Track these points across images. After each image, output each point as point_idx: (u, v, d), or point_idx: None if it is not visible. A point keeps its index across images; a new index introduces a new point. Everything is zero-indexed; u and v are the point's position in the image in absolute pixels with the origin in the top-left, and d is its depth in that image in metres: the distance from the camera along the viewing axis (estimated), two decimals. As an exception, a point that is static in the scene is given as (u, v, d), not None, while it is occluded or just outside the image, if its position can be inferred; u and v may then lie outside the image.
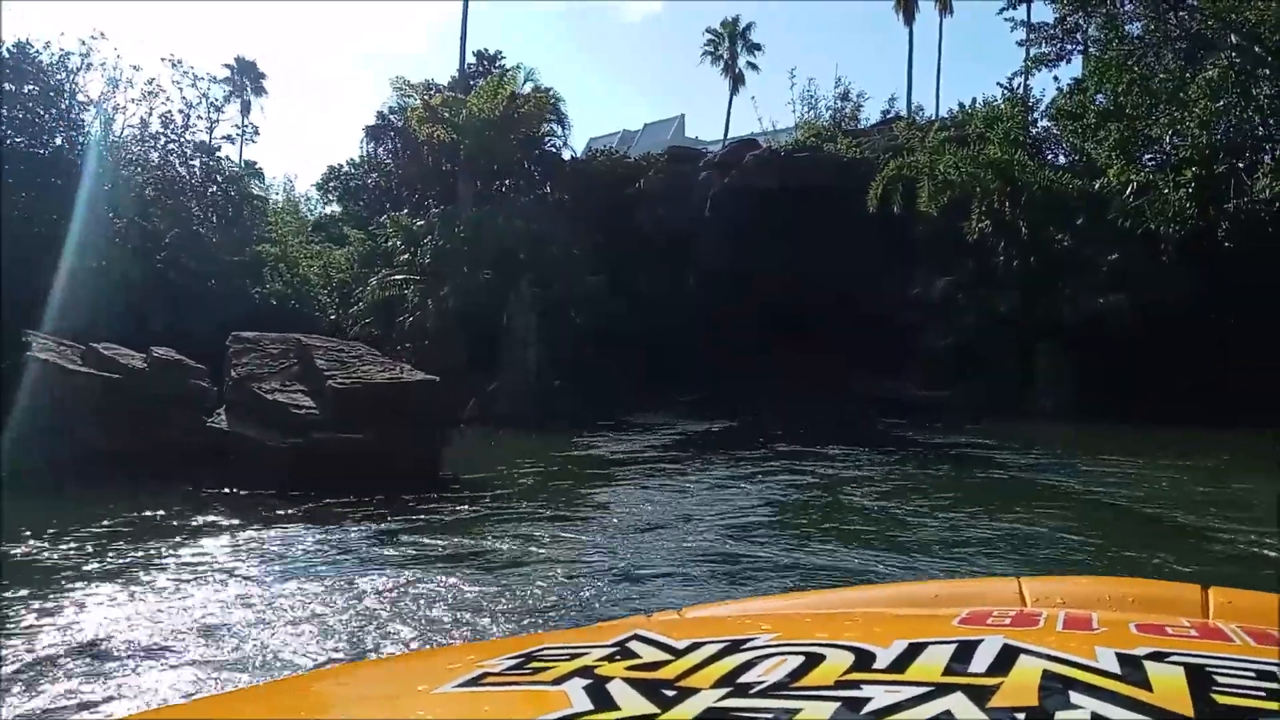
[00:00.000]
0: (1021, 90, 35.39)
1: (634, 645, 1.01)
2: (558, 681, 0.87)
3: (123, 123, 33.11)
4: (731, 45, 54.21)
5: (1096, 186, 26.03)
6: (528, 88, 32.82)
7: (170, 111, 34.54)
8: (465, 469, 13.95)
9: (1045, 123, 32.88)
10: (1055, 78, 37.92)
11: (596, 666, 0.93)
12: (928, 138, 28.91)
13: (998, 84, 32.56)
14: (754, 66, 54.20)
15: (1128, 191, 25.80)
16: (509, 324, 24.46)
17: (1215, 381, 22.04)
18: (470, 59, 35.09)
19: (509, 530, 9.61)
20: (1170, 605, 1.30)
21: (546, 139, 36.84)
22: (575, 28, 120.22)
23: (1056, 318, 24.45)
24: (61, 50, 30.83)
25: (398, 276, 27.70)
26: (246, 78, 69.20)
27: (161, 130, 33.74)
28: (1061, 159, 31.32)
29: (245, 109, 69.61)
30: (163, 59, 58.23)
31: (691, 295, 32.80)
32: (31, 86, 30.35)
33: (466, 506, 10.89)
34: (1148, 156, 27.15)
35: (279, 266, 30.78)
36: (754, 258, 30.35)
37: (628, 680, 0.86)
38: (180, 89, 39.89)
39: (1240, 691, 0.77)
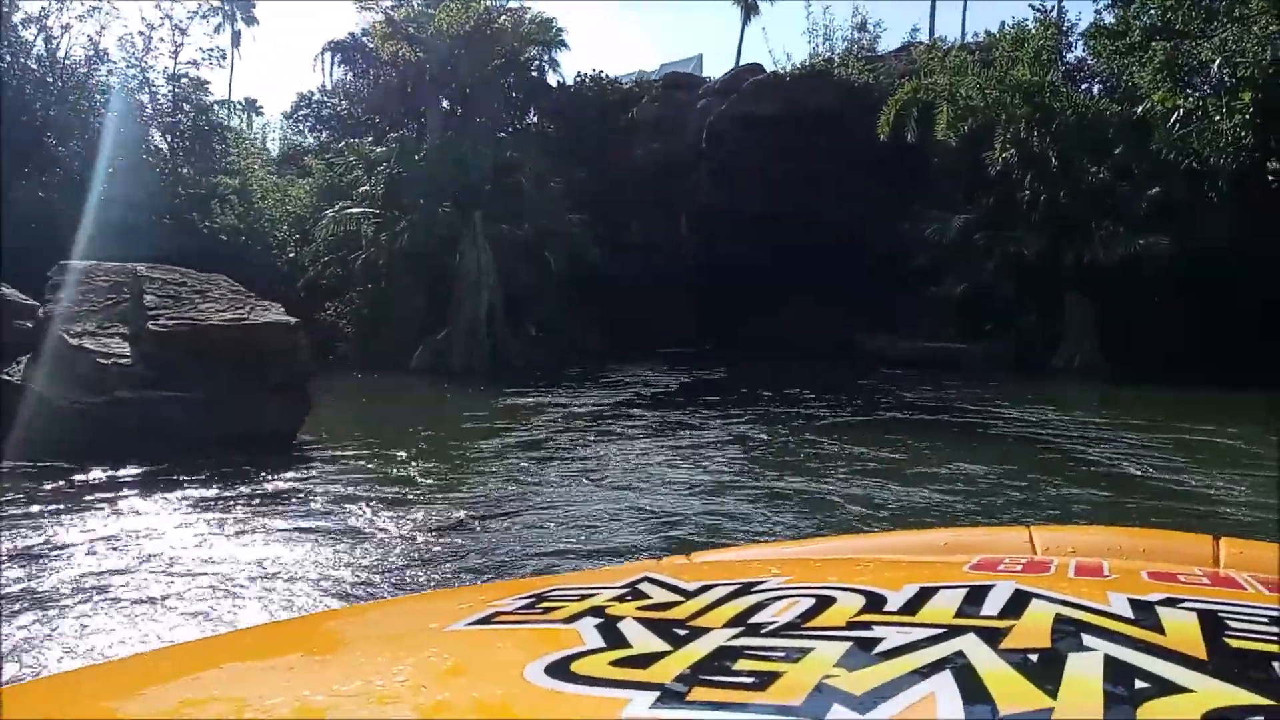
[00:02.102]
0: (1055, 13, 32.00)
1: (644, 587, 1.02)
2: (569, 620, 0.87)
3: (68, 42, 30.35)
4: (745, -30, 50.51)
5: (1138, 113, 22.83)
6: (512, 4, 29.75)
7: (130, 34, 31.91)
8: (344, 433, 11.43)
9: (1080, 52, 29.55)
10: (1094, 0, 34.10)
11: (607, 606, 0.92)
12: (948, 58, 25.65)
13: (1030, 5, 28.93)
14: (767, -5, 50.49)
15: (1173, 119, 22.61)
16: (461, 263, 21.71)
17: (1267, 335, 19.19)
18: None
19: (327, 526, 7.06)
20: (1182, 555, 1.28)
21: (531, 63, 33.74)
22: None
23: (1088, 261, 21.47)
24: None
25: (354, 210, 24.97)
26: (236, 7, 66.12)
27: (121, 54, 31.11)
28: (1097, 89, 28.03)
29: (235, 39, 66.72)
30: None
31: (684, 236, 29.99)
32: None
33: (292, 483, 8.35)
34: (1199, 80, 23.91)
35: (230, 198, 28.09)
36: (753, 196, 27.43)
37: (639, 620, 0.86)
38: (140, 10, 37.08)
39: (1254, 636, 0.76)
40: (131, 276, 9.82)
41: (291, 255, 27.84)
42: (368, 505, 7.93)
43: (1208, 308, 21.07)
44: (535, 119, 34.02)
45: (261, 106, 62.96)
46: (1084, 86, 28.36)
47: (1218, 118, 21.97)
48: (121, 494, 7.96)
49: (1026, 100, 23.53)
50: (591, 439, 11.95)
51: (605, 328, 25.81)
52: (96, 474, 8.33)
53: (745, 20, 49.94)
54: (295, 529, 7.29)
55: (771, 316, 26.71)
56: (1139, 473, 10.16)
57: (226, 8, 64.82)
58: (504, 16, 27.07)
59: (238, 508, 7.69)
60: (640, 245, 29.07)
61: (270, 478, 8.59)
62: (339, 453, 10.34)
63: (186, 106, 33.21)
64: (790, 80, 29.66)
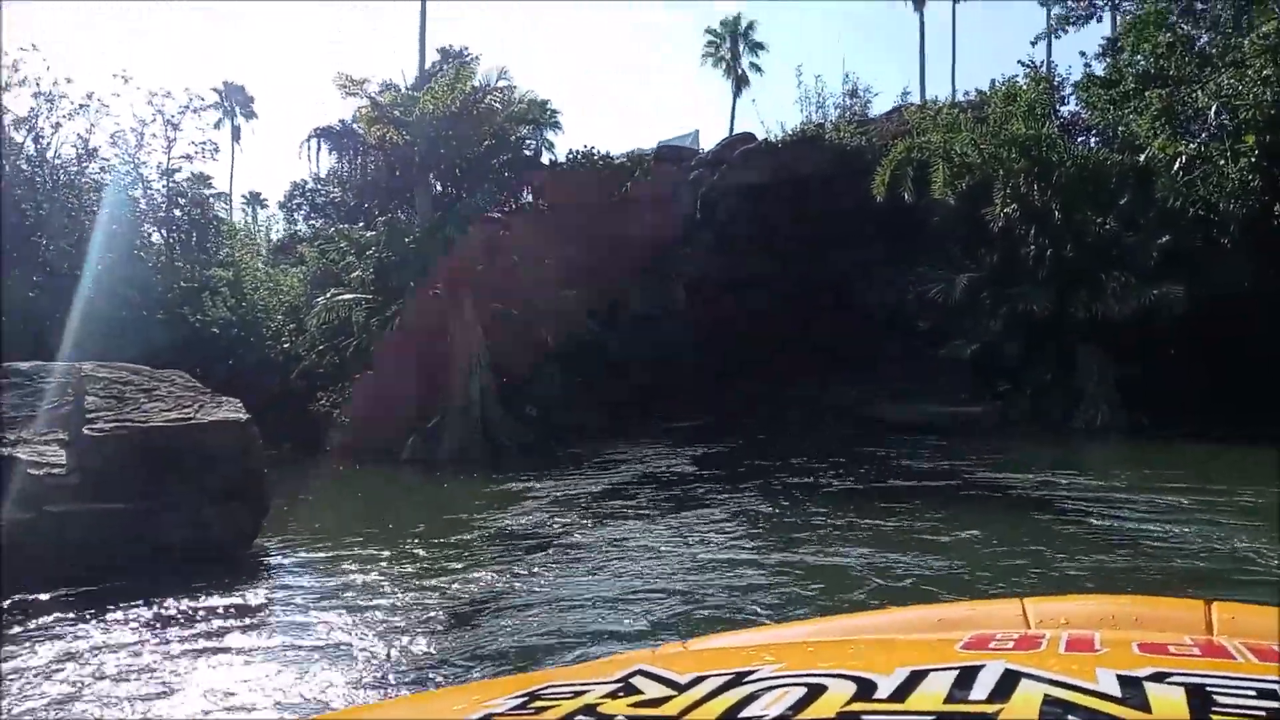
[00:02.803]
0: (1045, 69, 31.80)
1: (637, 681, 1.01)
2: None
3: (58, 142, 30.37)
4: (733, 45, 51.06)
5: (1140, 161, 22.33)
6: (501, 83, 29.65)
7: (123, 130, 31.97)
8: (317, 534, 10.59)
9: (1073, 105, 29.21)
10: (1082, 53, 33.86)
11: (599, 704, 0.92)
12: (940, 116, 25.29)
13: (1019, 62, 28.72)
14: (757, 68, 50.94)
15: (1176, 166, 22.09)
16: (452, 347, 21.05)
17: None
18: (434, 57, 32.01)
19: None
20: (1174, 623, 1.29)
21: (524, 142, 33.68)
22: (585, 43, 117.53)
23: (1099, 314, 20.69)
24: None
25: (346, 296, 24.44)
26: (235, 101, 67.15)
27: (115, 150, 31.08)
28: (1094, 142, 27.60)
29: (236, 134, 67.62)
30: (114, 75, 55.63)
31: (681, 308, 29.39)
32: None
33: (246, 597, 7.49)
34: (1195, 126, 23.46)
35: (221, 290, 27.69)
36: (749, 263, 26.91)
37: (631, 718, 0.87)
38: (132, 107, 37.33)
39: (1240, 711, 0.77)
40: (76, 376, 9.12)
41: (286, 345, 27.31)
42: (335, 615, 7.09)
43: (1223, 356, 20.23)
44: (529, 198, 33.79)
45: (266, 200, 63.66)
46: (1079, 140, 27.96)
47: (1222, 162, 21.45)
48: (44, 621, 7.13)
49: (1023, 154, 23.06)
50: (588, 525, 11.09)
51: (604, 405, 25.02)
52: (20, 597, 7.51)
53: (736, 92, 50.32)
54: (254, 648, 6.49)
55: (775, 385, 25.91)
56: (1162, 534, 9.27)
57: (225, 104, 66.15)
58: (491, 96, 26.91)
59: (177, 631, 6.85)
60: (638, 318, 28.48)
61: (217, 593, 7.75)
62: (306, 557, 9.51)
63: (182, 201, 33.15)
64: (781, 147, 29.39)
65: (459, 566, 8.93)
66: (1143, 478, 13.88)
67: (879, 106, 38.13)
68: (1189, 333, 20.21)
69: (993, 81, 29.07)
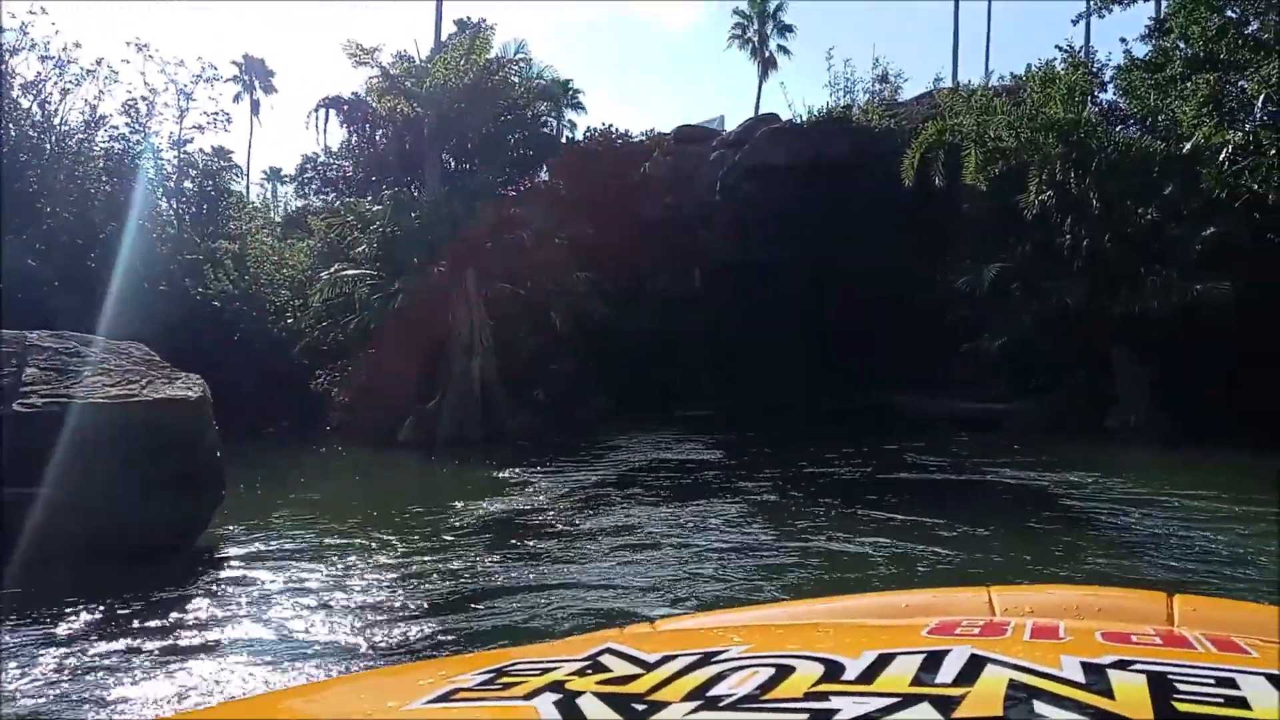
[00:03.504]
0: (1083, 54, 30.40)
1: (605, 659, 1.01)
2: (528, 696, 0.87)
3: (65, 109, 29.69)
4: (760, 26, 49.64)
5: (1186, 149, 21.08)
6: (517, 58, 28.72)
7: (134, 99, 31.25)
8: (287, 523, 9.75)
9: (1111, 94, 27.79)
10: (1123, 39, 32.23)
11: (567, 681, 0.92)
12: (973, 99, 24.09)
13: (1056, 46, 27.41)
14: (785, 50, 49.56)
15: (1222, 155, 20.83)
16: (453, 325, 20.16)
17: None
18: (451, 30, 31.02)
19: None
20: (1137, 614, 1.30)
21: (541, 119, 32.76)
22: (615, 37, 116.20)
23: (1138, 310, 19.53)
24: (-9, 26, 27.53)
25: (350, 271, 23.62)
26: (255, 76, 66.52)
27: (124, 118, 30.37)
28: (1133, 131, 26.27)
29: (255, 108, 67.02)
30: (127, 43, 55.09)
31: (698, 293, 28.43)
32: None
33: (187, 598, 6.63)
34: (1241, 115, 22.16)
35: (225, 262, 26.94)
36: (770, 247, 25.87)
37: (598, 695, 0.86)
38: (144, 75, 36.65)
39: (1200, 699, 0.78)
40: (20, 345, 8.29)
41: (290, 321, 26.57)
42: (287, 613, 6.27)
43: (1269, 357, 19.03)
44: (546, 176, 32.89)
45: (286, 175, 63.09)
46: (1118, 129, 26.64)
47: (1273, 151, 20.19)
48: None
49: (1061, 139, 21.85)
50: (575, 516, 10.19)
51: (614, 392, 24.14)
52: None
53: (763, 75, 48.96)
54: (188, 650, 5.66)
55: (794, 374, 24.92)
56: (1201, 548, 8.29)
57: (245, 78, 65.56)
58: (507, 68, 25.97)
59: (97, 642, 6.00)
60: (653, 302, 27.58)
61: (155, 591, 6.91)
62: (263, 549, 8.65)
63: (193, 172, 32.47)
64: (806, 128, 28.28)
65: (427, 559, 8.06)
66: (1176, 483, 12.87)
67: (909, 92, 36.87)
68: (1232, 331, 19.03)
69: (1028, 66, 27.81)
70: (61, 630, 6.08)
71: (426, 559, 8.16)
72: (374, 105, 26.27)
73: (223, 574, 7.56)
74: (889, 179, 23.19)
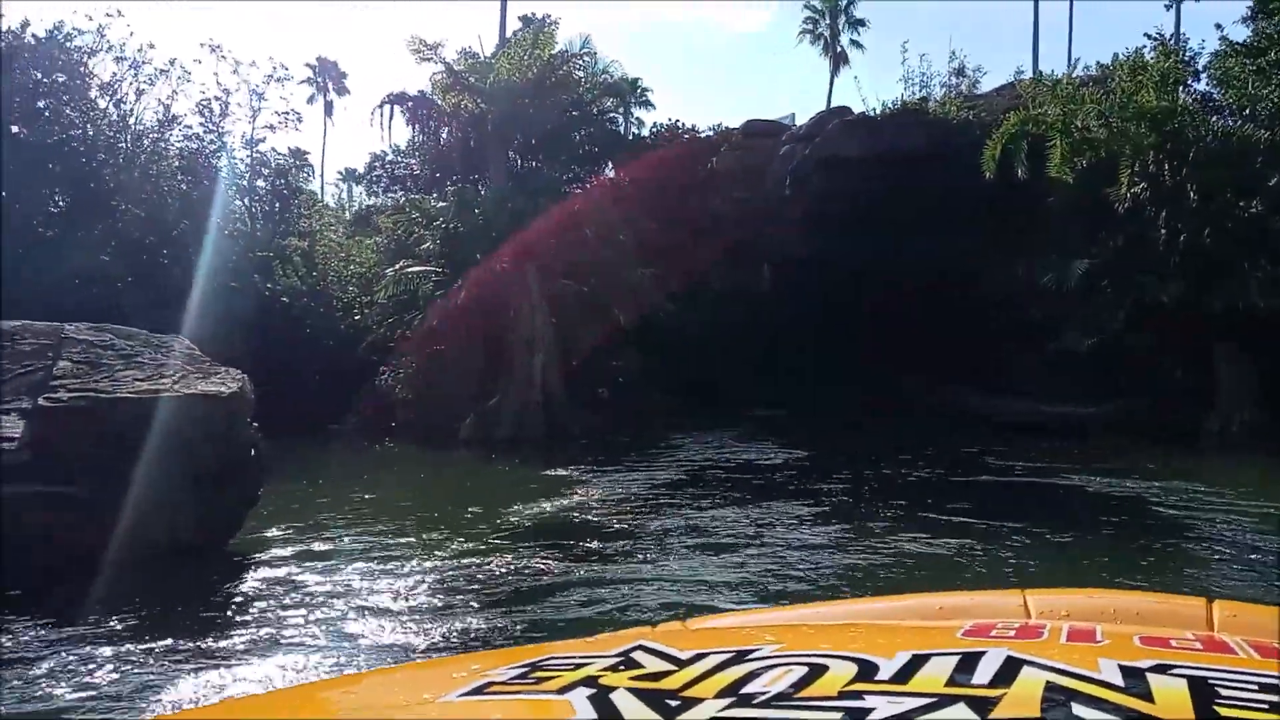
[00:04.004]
0: (1174, 41, 28.81)
1: (638, 655, 1.00)
2: (562, 691, 0.86)
3: (140, 108, 30.21)
4: (832, 21, 48.53)
5: (1292, 137, 19.72)
6: (583, 53, 28.27)
7: (209, 99, 31.70)
8: (331, 524, 9.37)
9: (1204, 85, 26.19)
10: (1218, 25, 30.32)
11: (600, 676, 0.91)
12: (1058, 88, 22.90)
13: (1145, 35, 25.85)
14: (858, 44, 48.42)
15: (1333, 143, 19.44)
16: (514, 323, 19.78)
17: None
18: (516, 26, 30.74)
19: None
20: (1175, 619, 1.26)
21: (607, 115, 32.31)
22: (684, 39, 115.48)
23: (1241, 306, 18.25)
24: (73, 29, 28.18)
25: (414, 268, 23.47)
26: (328, 77, 67.45)
27: (198, 118, 30.82)
28: (1229, 122, 24.72)
29: (329, 109, 67.97)
30: (201, 44, 56.16)
31: (766, 290, 27.65)
32: (61, 76, 27.97)
33: (216, 606, 6.23)
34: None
35: (294, 259, 27.07)
36: (841, 242, 24.90)
37: (632, 690, 0.85)
38: (216, 75, 37.17)
39: (1243, 704, 0.75)
40: (55, 338, 8.02)
41: (358, 318, 26.61)
42: (317, 620, 5.81)
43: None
44: (612, 172, 32.46)
45: (359, 175, 63.84)
46: (1213, 119, 25.14)
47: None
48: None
49: (1155, 129, 20.60)
50: (634, 520, 9.64)
51: (678, 390, 23.53)
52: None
53: (834, 71, 47.84)
54: (217, 657, 5.23)
55: (864, 374, 24.00)
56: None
57: (319, 80, 66.55)
58: (572, 63, 25.56)
59: (133, 641, 5.62)
60: (719, 299, 26.91)
61: (184, 596, 6.53)
62: (298, 551, 8.23)
63: (265, 171, 32.83)
64: (880, 120, 27.27)
65: (473, 561, 7.57)
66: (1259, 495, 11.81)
67: (987, 86, 35.48)
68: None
69: (1115, 55, 26.41)
70: (65, 633, 5.72)
71: (470, 559, 7.67)
72: (439, 102, 26.05)
73: (259, 575, 7.17)
74: (966, 171, 22.12)
